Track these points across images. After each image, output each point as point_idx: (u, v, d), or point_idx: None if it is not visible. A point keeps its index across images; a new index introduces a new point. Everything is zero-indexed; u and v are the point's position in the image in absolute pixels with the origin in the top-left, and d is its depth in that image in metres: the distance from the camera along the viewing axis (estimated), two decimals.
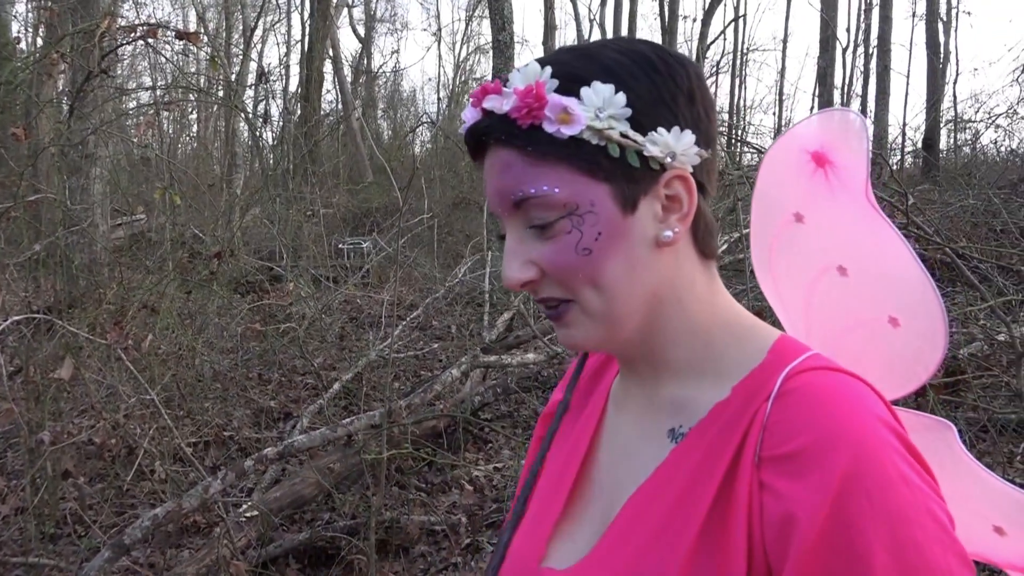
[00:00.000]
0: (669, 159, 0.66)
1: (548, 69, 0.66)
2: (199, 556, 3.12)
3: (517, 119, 0.65)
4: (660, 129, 0.66)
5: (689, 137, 0.67)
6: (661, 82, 0.67)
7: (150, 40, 3.35)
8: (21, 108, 6.34)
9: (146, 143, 5.73)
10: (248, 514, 3.37)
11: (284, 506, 3.63)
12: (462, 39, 27.68)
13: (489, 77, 15.27)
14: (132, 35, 3.13)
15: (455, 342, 6.45)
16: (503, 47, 10.31)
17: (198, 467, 3.22)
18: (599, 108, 0.64)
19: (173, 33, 3.26)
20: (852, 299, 0.81)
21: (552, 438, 0.84)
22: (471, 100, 0.69)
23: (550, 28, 17.85)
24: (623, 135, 0.65)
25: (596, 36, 29.34)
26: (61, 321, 3.20)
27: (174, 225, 5.74)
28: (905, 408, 0.75)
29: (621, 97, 0.65)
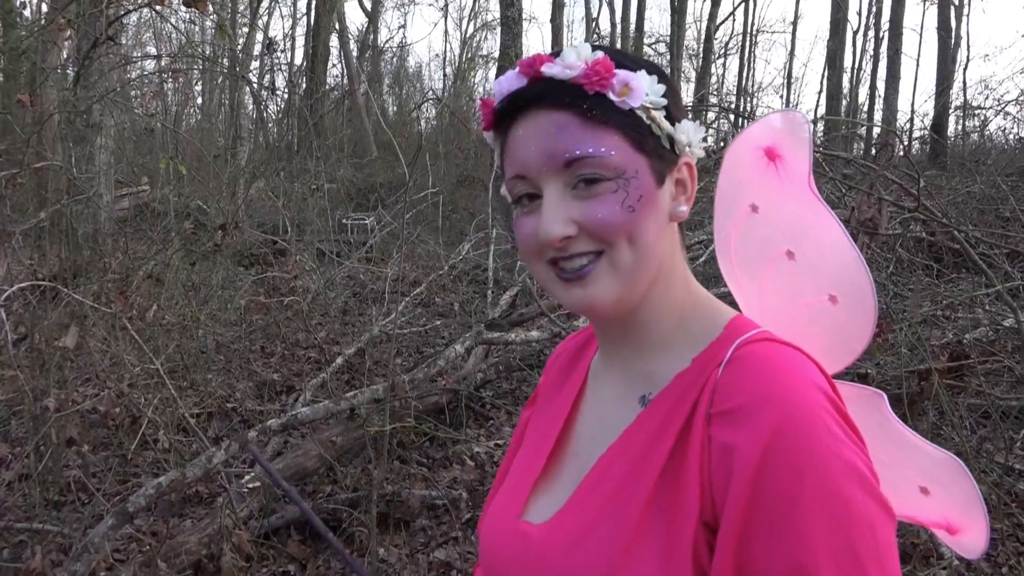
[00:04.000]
0: (688, 147, 0.78)
1: (600, 52, 0.75)
2: (202, 525, 3.14)
3: (584, 85, 0.73)
4: (684, 121, 0.78)
5: (701, 132, 0.79)
6: (675, 85, 0.79)
7: (157, 8, 3.31)
8: (27, 76, 6.31)
9: (151, 113, 5.68)
10: (250, 485, 3.38)
11: (286, 478, 3.64)
12: (469, 15, 27.45)
13: (496, 54, 15.18)
14: (139, 2, 3.09)
15: (458, 319, 6.46)
16: (511, 23, 10.23)
17: (201, 437, 3.23)
18: (647, 92, 0.75)
19: (180, 1, 3.22)
20: (798, 281, 0.88)
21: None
22: (518, 68, 0.77)
23: (558, 6, 17.69)
24: (664, 118, 0.76)
25: (605, 15, 29.06)
26: (66, 290, 3.20)
27: (179, 196, 5.72)
28: (841, 381, 0.81)
29: (661, 87, 0.76)
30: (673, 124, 0.77)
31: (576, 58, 0.74)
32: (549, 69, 0.74)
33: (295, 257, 5.96)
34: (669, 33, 21.25)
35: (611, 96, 0.73)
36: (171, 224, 5.32)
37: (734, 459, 0.65)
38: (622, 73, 0.74)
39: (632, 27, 21.96)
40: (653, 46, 24.28)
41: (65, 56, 6.04)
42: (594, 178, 0.73)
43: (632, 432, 0.76)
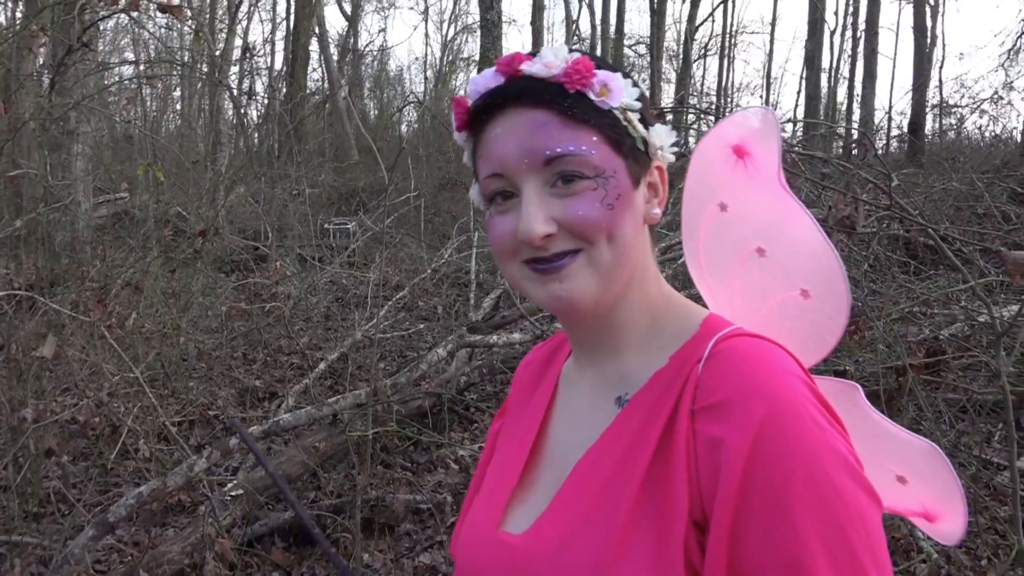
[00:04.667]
0: (660, 151, 0.80)
1: (576, 54, 0.76)
2: (184, 534, 3.12)
3: (565, 83, 0.74)
4: (657, 125, 0.80)
5: (672, 137, 0.81)
6: (645, 90, 0.80)
7: (132, 13, 3.29)
8: (0, 82, 6.24)
9: (128, 119, 5.63)
10: (233, 493, 3.36)
11: (269, 485, 3.63)
12: (450, 18, 27.45)
13: (477, 57, 15.17)
14: (114, 7, 3.07)
15: (441, 322, 6.44)
16: (491, 26, 10.25)
17: (183, 445, 3.21)
18: (624, 94, 0.76)
19: (155, 6, 3.20)
20: (769, 277, 0.88)
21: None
22: (497, 67, 0.77)
23: (538, 8, 17.71)
24: (639, 121, 0.77)
25: (585, 17, 29.12)
26: (43, 299, 3.17)
27: (158, 203, 5.68)
28: (816, 375, 0.81)
29: (636, 91, 0.77)
30: (646, 128, 0.78)
31: (555, 57, 0.75)
32: (529, 67, 0.75)
33: (276, 263, 5.93)
34: (649, 35, 21.36)
35: (591, 96, 0.74)
36: (150, 231, 5.28)
37: (721, 453, 0.65)
38: (601, 73, 0.75)
39: (612, 29, 22.02)
40: (633, 47, 24.38)
41: (40, 63, 5.98)
42: (574, 176, 0.73)
43: (612, 434, 0.75)
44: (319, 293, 6.43)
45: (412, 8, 46.47)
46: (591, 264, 0.74)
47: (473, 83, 0.78)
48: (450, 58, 26.84)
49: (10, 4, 11.49)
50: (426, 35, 54.71)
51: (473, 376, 4.50)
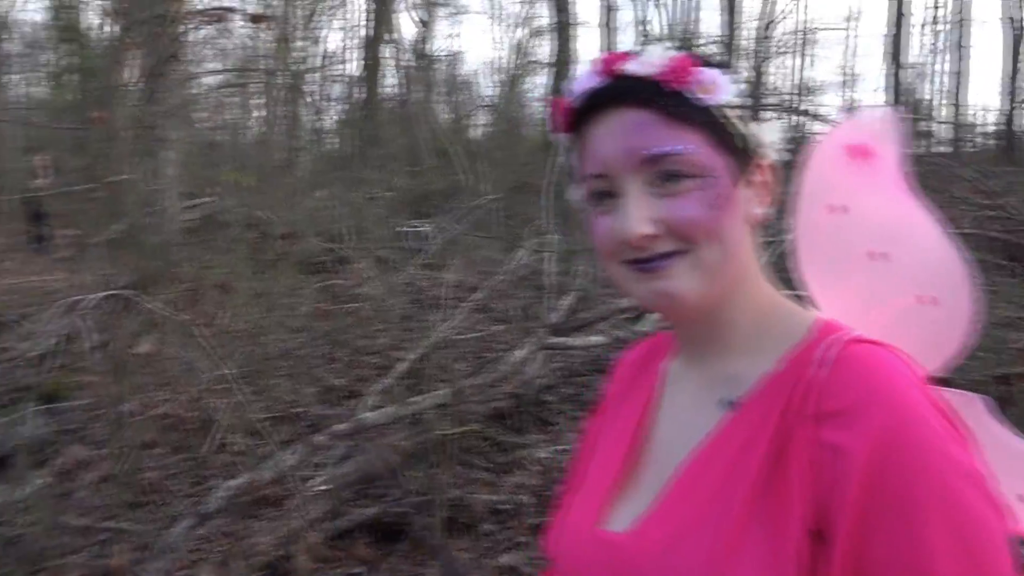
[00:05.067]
0: (763, 149, 0.78)
1: (676, 52, 0.75)
2: (274, 527, 3.21)
3: (666, 82, 0.73)
4: (763, 123, 0.79)
5: (777, 133, 0.79)
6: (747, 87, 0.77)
7: (220, 25, 3.41)
8: (98, 94, 6.57)
9: (216, 126, 5.84)
10: (319, 488, 3.45)
11: (353, 482, 3.71)
12: (520, 22, 27.54)
13: (548, 59, 15.21)
14: (204, 20, 3.19)
15: (517, 324, 6.46)
16: (563, 28, 10.26)
17: (272, 441, 3.31)
18: (725, 91, 0.75)
19: (242, 17, 3.32)
20: (891, 282, 0.86)
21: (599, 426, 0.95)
22: (595, 66, 0.77)
23: (610, 8, 17.62)
24: (742, 118, 0.76)
25: (656, 16, 28.79)
26: (142, 298, 3.31)
27: (243, 207, 5.89)
28: (938, 387, 0.79)
29: (737, 88, 0.76)
30: (750, 125, 0.77)
31: (656, 56, 0.75)
32: (629, 67, 0.75)
33: (357, 265, 6.06)
34: (723, 33, 21.00)
35: (692, 94, 0.73)
36: (236, 234, 5.46)
37: (843, 461, 0.64)
38: (703, 71, 0.74)
39: (685, 28, 21.74)
40: (707, 47, 23.99)
41: (133, 74, 6.26)
42: (677, 176, 0.72)
43: (722, 435, 0.75)
44: (397, 294, 6.54)
45: (483, 13, 46.88)
46: (695, 265, 0.73)
47: (574, 83, 0.79)
48: (520, 61, 26.94)
49: (103, 18, 12.05)
50: (497, 39, 54.98)
51: (552, 378, 4.50)
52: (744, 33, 23.31)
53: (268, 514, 3.63)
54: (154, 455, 3.67)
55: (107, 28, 11.34)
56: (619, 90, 0.75)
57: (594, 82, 0.76)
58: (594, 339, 4.20)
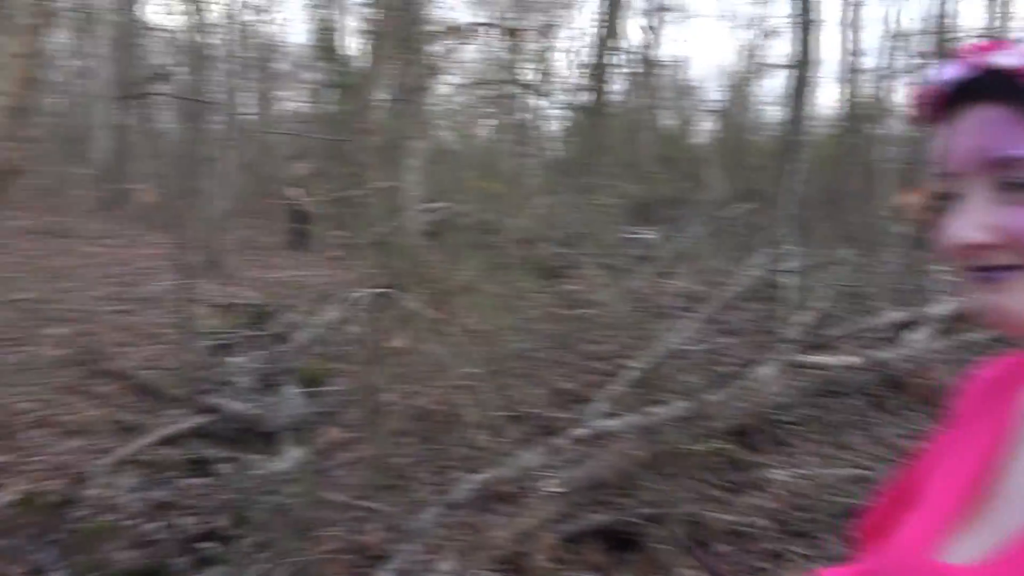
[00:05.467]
0: None
1: None
2: (512, 523, 3.33)
3: None
4: None
5: None
6: None
7: (475, 38, 3.59)
8: (355, 107, 7.18)
9: (464, 135, 6.19)
10: (552, 489, 3.52)
11: (583, 487, 3.75)
12: (750, 24, 26.55)
13: (779, 61, 14.49)
14: (462, 35, 3.38)
15: (749, 338, 6.23)
16: (804, 27, 9.70)
17: (513, 440, 3.42)
18: None
19: (500, 32, 3.47)
20: None
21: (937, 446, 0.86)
22: (961, 54, 0.70)
23: (856, 5, 16.46)
24: None
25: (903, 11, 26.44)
26: (399, 295, 3.57)
27: (486, 212, 6.19)
28: None
29: None
30: None
31: None
32: (998, 58, 0.66)
33: (587, 271, 6.14)
34: (987, 26, 18.86)
35: None
36: (476, 239, 5.72)
37: None
38: None
39: (942, 21, 19.78)
40: (964, 41, 21.69)
41: (392, 88, 6.75)
42: None
43: None
44: (625, 301, 6.54)
45: (712, 16, 45.68)
46: None
47: (933, 73, 0.72)
48: (749, 65, 25.95)
49: (357, 34, 13.17)
50: (725, 42, 53.46)
51: (791, 396, 4.27)
52: (1014, 24, 20.81)
53: (502, 509, 3.77)
54: (403, 443, 3.94)
55: (363, 47, 12.41)
56: (982, 84, 0.67)
57: (956, 73, 0.69)
58: (849, 359, 3.92)
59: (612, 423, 3.42)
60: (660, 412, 3.55)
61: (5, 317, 7.33)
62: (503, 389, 4.22)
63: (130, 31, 16.59)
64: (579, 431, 3.41)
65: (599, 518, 3.46)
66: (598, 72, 13.00)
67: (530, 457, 3.30)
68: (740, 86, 22.74)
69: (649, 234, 9.57)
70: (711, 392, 3.97)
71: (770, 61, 21.22)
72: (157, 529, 4.29)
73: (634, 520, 3.42)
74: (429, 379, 3.78)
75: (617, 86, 19.00)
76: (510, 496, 3.72)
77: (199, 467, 5.22)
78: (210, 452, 5.38)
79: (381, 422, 3.67)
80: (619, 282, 6.59)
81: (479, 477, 3.15)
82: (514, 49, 8.19)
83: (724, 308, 6.97)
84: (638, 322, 6.61)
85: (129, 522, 4.28)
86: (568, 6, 20.28)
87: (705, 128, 19.76)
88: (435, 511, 3.08)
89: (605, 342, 5.84)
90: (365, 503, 3.66)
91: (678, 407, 3.51)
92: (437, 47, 3.90)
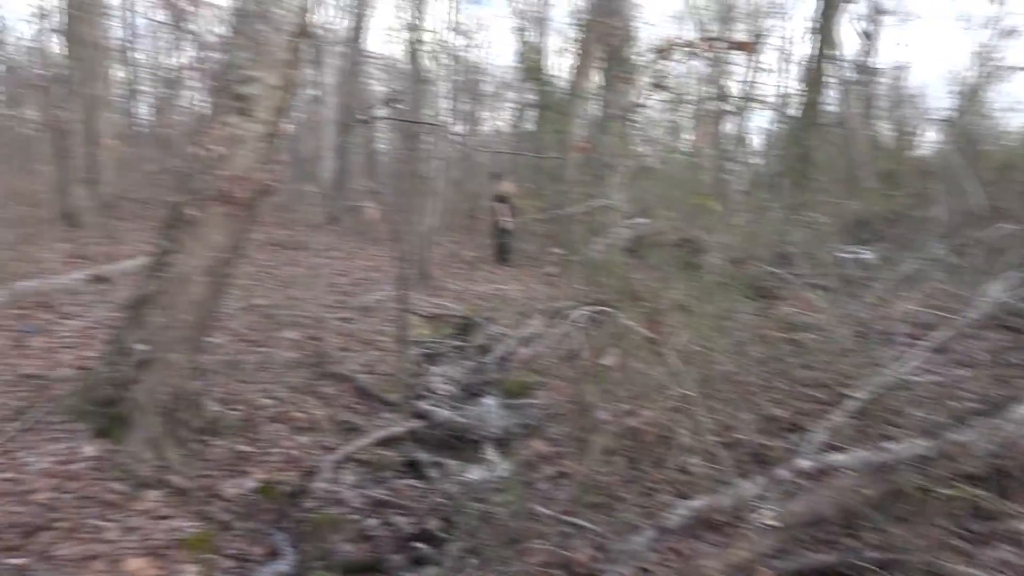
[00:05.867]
0: None
1: None
2: (725, 554, 3.20)
3: None
4: None
5: None
6: None
7: (705, 54, 3.52)
8: (566, 125, 7.31)
9: (669, 150, 6.11)
10: (768, 522, 3.34)
11: (803, 522, 3.53)
12: (987, 24, 24.05)
13: (1018, 64, 12.99)
14: (691, 49, 3.33)
15: (988, 370, 5.59)
16: None
17: (725, 466, 3.30)
18: None
19: (728, 46, 3.38)
20: None
21: None
22: None
23: None
24: None
25: None
26: (614, 313, 3.56)
27: (693, 229, 6.06)
28: None
29: None
30: None
31: None
32: None
33: (803, 292, 5.82)
34: None
35: None
36: (684, 256, 5.60)
37: None
38: None
39: None
40: None
41: (599, 105, 6.80)
42: None
43: None
44: (842, 325, 6.12)
45: (941, 17, 41.93)
46: None
47: None
48: (983, 69, 23.51)
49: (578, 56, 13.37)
50: (956, 45, 48.80)
51: None
52: None
53: (714, 538, 3.64)
54: (611, 461, 3.91)
55: (570, 67, 12.65)
56: None
57: None
58: None
59: (838, 457, 3.19)
60: (894, 448, 3.26)
61: (248, 321, 8.17)
62: (715, 412, 4.09)
63: (355, 60, 18.01)
64: (800, 462, 3.21)
65: (821, 558, 3.24)
66: (811, 81, 12.36)
67: (744, 486, 3.16)
68: (973, 92, 20.66)
69: (868, 253, 8.91)
70: (955, 430, 3.59)
71: (1008, 64, 19.12)
72: (376, 525, 4.56)
73: (861, 563, 3.17)
74: (641, 398, 3.74)
75: (832, 95, 17.97)
76: (723, 525, 3.59)
77: (412, 469, 5.51)
78: (421, 455, 5.66)
79: (591, 439, 3.67)
80: (836, 305, 6.18)
81: (693, 503, 3.06)
82: (722, 62, 7.97)
83: (958, 336, 6.32)
84: (858, 348, 6.15)
85: (352, 516, 4.59)
86: (778, 14, 19.44)
87: (931, 139, 18.14)
88: (648, 534, 3.02)
89: (821, 368, 5.49)
90: (573, 519, 3.67)
91: (915, 444, 3.21)
92: (651, 64, 3.87)
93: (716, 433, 4.41)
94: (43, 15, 19.56)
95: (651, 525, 3.05)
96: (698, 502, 3.02)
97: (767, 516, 3.36)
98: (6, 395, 5.22)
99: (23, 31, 29.70)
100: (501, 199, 14.02)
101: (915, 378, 5.30)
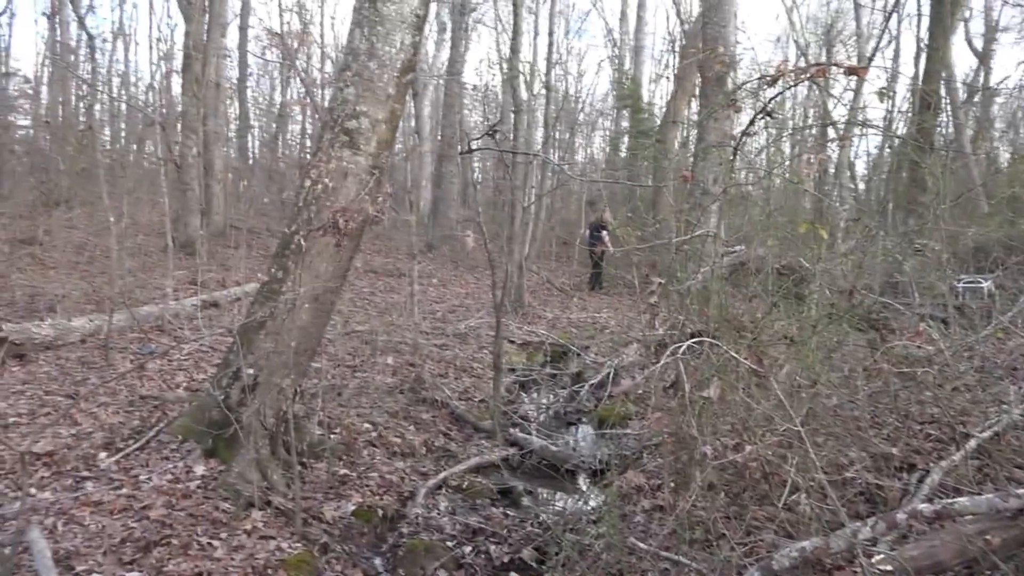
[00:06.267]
0: None
1: None
2: None
3: None
4: None
5: None
6: None
7: (819, 80, 3.43)
8: (662, 153, 7.23)
9: (772, 177, 5.94)
10: (882, 567, 3.16)
11: (918, 568, 3.32)
12: None
13: None
14: (801, 75, 3.25)
15: None
16: None
17: (833, 506, 3.14)
18: None
19: (843, 70, 3.29)
20: None
21: None
22: None
23: None
24: None
25: None
26: (717, 344, 3.47)
27: (796, 257, 5.85)
28: None
29: None
30: None
31: None
32: None
33: (917, 322, 5.53)
34: None
35: None
36: (787, 285, 5.42)
37: None
38: None
39: None
40: None
41: (697, 133, 6.71)
42: None
43: None
44: (959, 359, 5.78)
45: None
46: None
47: None
48: None
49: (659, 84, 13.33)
50: None
51: None
52: None
53: None
54: (711, 496, 3.80)
55: (667, 95, 12.58)
56: None
57: None
58: None
59: (974, 503, 2.98)
60: (1021, 492, 3.03)
61: (347, 346, 8.40)
62: (823, 449, 3.91)
63: (453, 91, 18.45)
64: (918, 505, 3.03)
65: None
66: (922, 103, 11.85)
67: (856, 527, 3.00)
68: None
69: (986, 283, 8.41)
70: None
71: None
72: (470, 553, 4.57)
73: None
74: (744, 432, 3.62)
75: (943, 117, 17.18)
76: (833, 569, 3.41)
77: (505, 497, 5.51)
78: (515, 484, 5.65)
79: (691, 472, 3.57)
80: (953, 337, 5.85)
81: (801, 544, 2.92)
82: (829, 86, 7.74)
83: None
84: (977, 384, 5.79)
85: (447, 542, 4.61)
86: (882, 35, 18.81)
87: None
88: (756, 575, 2.90)
89: (937, 405, 5.19)
90: (671, 555, 3.57)
91: None
92: (759, 91, 3.78)
93: (824, 470, 4.21)
94: (165, 57, 20.95)
95: (756, 565, 2.93)
96: (807, 543, 2.88)
97: (881, 560, 3.18)
98: (125, 415, 5.53)
99: (145, 72, 31.85)
100: (600, 227, 14.01)
101: None
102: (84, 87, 19.10)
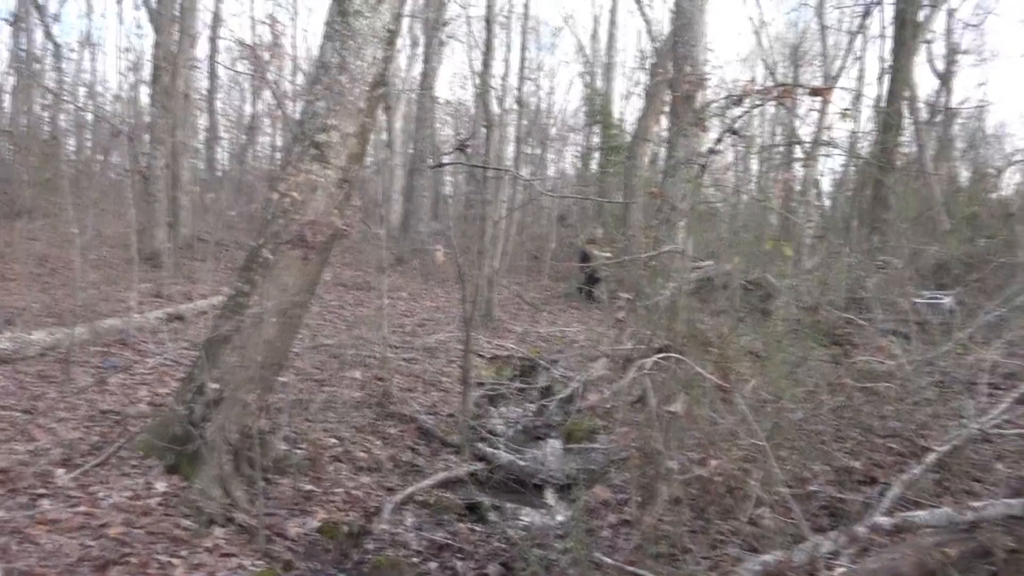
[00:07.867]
0: None
1: None
2: None
3: None
4: None
5: None
6: None
7: (785, 101, 3.50)
8: (632, 169, 7.30)
9: (737, 193, 6.04)
10: None
11: None
12: None
13: None
14: (767, 96, 3.31)
15: None
16: None
17: (796, 520, 3.18)
18: None
19: (803, 92, 3.36)
20: None
21: None
22: None
23: None
24: None
25: None
26: (683, 359, 3.50)
27: (761, 273, 5.95)
28: None
29: None
30: None
31: None
32: None
33: (879, 338, 5.62)
34: None
35: None
36: (751, 301, 5.49)
37: None
38: None
39: None
40: None
41: (666, 149, 6.78)
42: None
43: None
44: (919, 374, 5.89)
45: (1017, 55, 40.68)
46: None
47: None
48: None
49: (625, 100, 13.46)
50: None
51: None
52: None
53: None
54: (676, 510, 3.81)
55: (638, 111, 12.72)
56: None
57: None
58: None
59: (931, 516, 3.03)
60: (978, 506, 3.09)
61: (314, 360, 8.32)
62: (786, 463, 3.96)
63: (424, 105, 18.48)
64: (878, 519, 3.07)
65: None
66: (885, 123, 12.10)
67: (818, 541, 3.03)
68: None
69: (947, 299, 8.59)
70: None
71: None
72: (436, 569, 4.53)
73: None
74: (709, 446, 3.65)
75: (906, 137, 17.56)
76: None
77: (472, 512, 5.48)
78: (482, 499, 5.62)
79: (657, 487, 3.59)
80: (914, 352, 5.96)
81: (764, 558, 2.95)
82: (794, 106, 7.88)
83: None
84: (937, 399, 5.90)
85: (412, 559, 4.57)
86: (847, 55, 19.23)
87: (1012, 180, 17.50)
88: None
89: (898, 419, 5.28)
90: (636, 570, 3.58)
91: (1003, 503, 3.04)
92: (725, 110, 3.84)
93: (788, 484, 4.26)
94: (133, 67, 20.70)
95: None
96: (769, 557, 2.91)
97: (843, 574, 3.22)
98: (84, 430, 5.41)
99: (112, 82, 31.48)
100: (591, 244, 14.14)
101: (999, 431, 5.05)
102: (49, 96, 18.82)
